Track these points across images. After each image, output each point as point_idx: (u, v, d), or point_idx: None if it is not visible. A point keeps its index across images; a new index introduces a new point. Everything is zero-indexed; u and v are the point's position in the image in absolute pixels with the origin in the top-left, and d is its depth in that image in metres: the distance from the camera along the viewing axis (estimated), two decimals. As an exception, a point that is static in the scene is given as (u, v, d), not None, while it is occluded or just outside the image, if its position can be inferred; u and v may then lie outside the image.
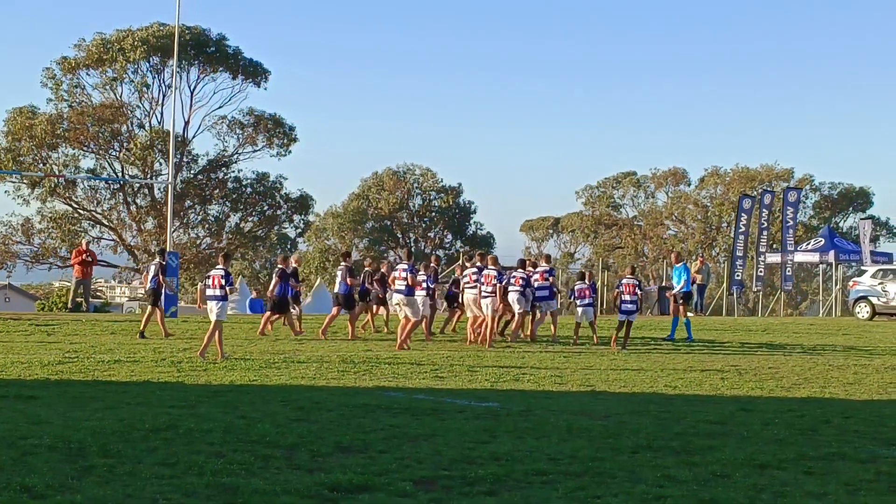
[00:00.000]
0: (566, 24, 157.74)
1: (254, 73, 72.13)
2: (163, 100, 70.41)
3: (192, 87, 71.39)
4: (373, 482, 10.34)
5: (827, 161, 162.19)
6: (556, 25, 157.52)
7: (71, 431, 12.76)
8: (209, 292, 23.78)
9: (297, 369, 21.28)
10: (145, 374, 19.90)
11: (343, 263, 31.12)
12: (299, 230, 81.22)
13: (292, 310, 31.48)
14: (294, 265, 32.58)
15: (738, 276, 53.14)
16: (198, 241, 74.75)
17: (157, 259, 30.80)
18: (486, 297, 28.35)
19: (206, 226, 75.25)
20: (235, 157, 74.17)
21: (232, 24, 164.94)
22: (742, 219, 53.91)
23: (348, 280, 30.34)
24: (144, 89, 70.02)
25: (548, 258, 33.98)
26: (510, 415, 15.29)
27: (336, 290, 30.97)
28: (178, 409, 15.16)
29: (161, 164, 69.12)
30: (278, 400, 16.42)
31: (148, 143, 68.31)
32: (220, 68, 71.45)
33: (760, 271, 54.41)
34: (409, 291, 27.52)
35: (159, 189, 68.91)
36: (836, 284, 58.14)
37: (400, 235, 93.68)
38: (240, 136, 73.65)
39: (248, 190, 75.09)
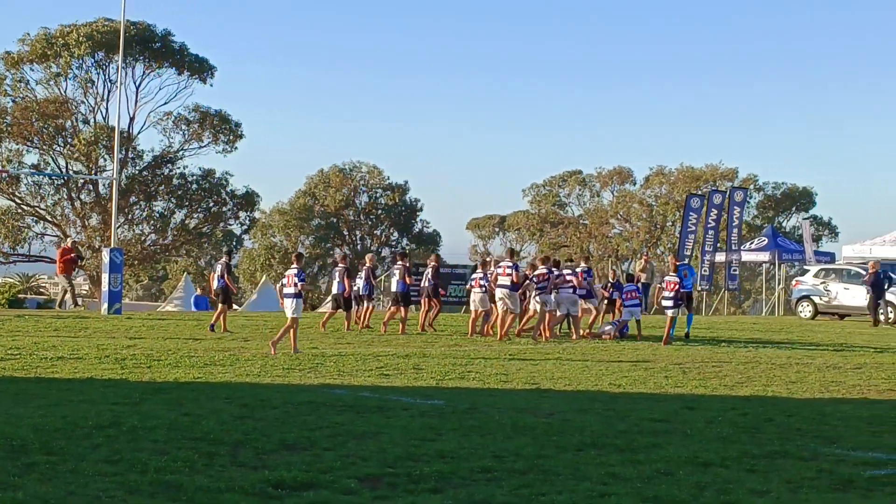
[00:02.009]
0: (523, 24, 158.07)
1: (200, 68, 71.84)
2: (108, 95, 70.08)
3: (137, 83, 71.04)
4: (317, 479, 10.32)
5: (771, 161, 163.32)
6: (514, 25, 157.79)
7: (13, 428, 12.66)
8: (285, 290, 24.99)
9: (242, 366, 21.21)
10: (89, 371, 19.76)
11: (400, 262, 32.95)
12: (245, 227, 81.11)
13: (363, 305, 33.87)
14: (368, 264, 34.73)
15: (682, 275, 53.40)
16: (143, 238, 74.38)
17: (224, 258, 32.61)
18: (536, 293, 30.36)
19: (151, 222, 74.90)
20: (181, 153, 73.88)
21: (178, 19, 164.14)
22: (690, 218, 54.23)
23: (406, 279, 32.01)
24: (89, 85, 69.62)
25: (587, 258, 36.22)
26: (455, 412, 15.30)
27: (393, 288, 32.79)
28: (121, 406, 15.08)
29: (106, 160, 68.75)
30: (223, 397, 16.36)
31: (92, 138, 67.95)
32: (165, 64, 71.11)
33: (705, 270, 54.74)
34: (514, 287, 29.81)
35: (104, 185, 68.49)
36: (779, 284, 58.61)
37: (346, 233, 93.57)
38: (185, 132, 73.33)
39: (194, 186, 74.78)
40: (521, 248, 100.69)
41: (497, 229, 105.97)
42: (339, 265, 33.16)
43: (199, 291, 53.68)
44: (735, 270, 56.17)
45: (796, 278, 51.40)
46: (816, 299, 47.30)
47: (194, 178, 74.67)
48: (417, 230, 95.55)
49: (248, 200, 76.85)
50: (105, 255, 38.90)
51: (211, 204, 75.56)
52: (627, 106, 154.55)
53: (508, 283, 29.81)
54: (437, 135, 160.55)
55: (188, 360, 22.01)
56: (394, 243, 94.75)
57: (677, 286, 29.88)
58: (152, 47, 70.39)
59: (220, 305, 31.52)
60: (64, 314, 36.54)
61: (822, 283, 47.78)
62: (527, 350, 26.78)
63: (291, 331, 24.62)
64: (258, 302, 57.43)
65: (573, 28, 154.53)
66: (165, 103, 72.19)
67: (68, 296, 40.01)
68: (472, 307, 31.63)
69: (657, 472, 11.14)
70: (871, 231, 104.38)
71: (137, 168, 72.67)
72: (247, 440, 12.40)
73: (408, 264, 32.95)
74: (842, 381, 21.13)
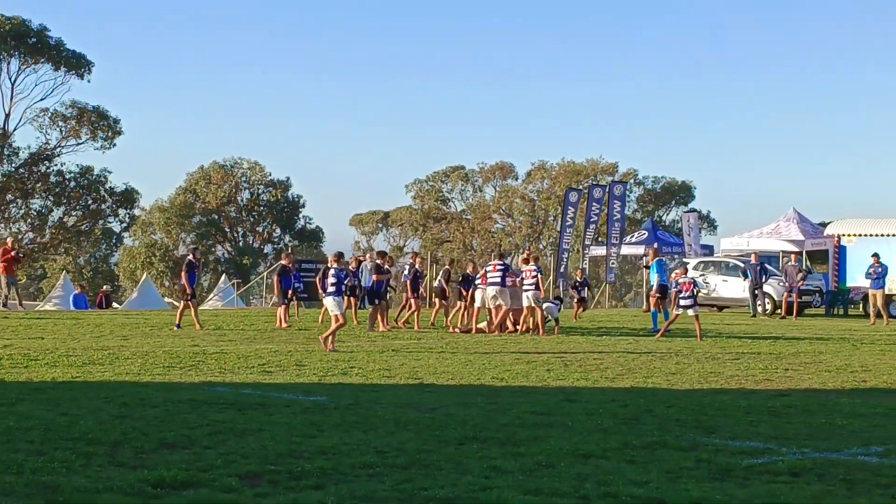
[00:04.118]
0: (403, 19, 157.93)
1: (77, 64, 70.88)
2: (-18, 92, 68.90)
3: (12, 79, 69.97)
4: (197, 478, 10.22)
5: (650, 155, 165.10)
6: (394, 20, 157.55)
7: None
8: (328, 290, 25.81)
9: (121, 365, 20.94)
10: (-37, 372, 19.39)
11: (375, 262, 33.80)
12: (125, 224, 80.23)
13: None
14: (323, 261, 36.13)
15: (563, 269, 53.82)
16: (20, 236, 73.24)
17: (189, 257, 33.34)
18: (527, 290, 31.59)
19: (29, 220, 73.80)
20: (58, 150, 72.85)
21: (54, 14, 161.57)
22: (569, 212, 54.65)
23: (375, 276, 32.84)
24: (-38, 80, 68.43)
25: (502, 255, 37.58)
26: (338, 408, 15.26)
27: (364, 284, 34.00)
28: (-3, 407, 14.82)
29: (-20, 158, 67.58)
30: (101, 396, 16.13)
31: (-34, 135, 66.77)
32: (41, 59, 70.05)
33: (586, 264, 55.20)
34: (504, 283, 31.97)
35: (-21, 183, 67.31)
36: (659, 277, 59.22)
37: (228, 230, 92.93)
38: (63, 128, 72.38)
39: (72, 184, 73.86)
40: (404, 243, 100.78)
41: (380, 225, 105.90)
42: (376, 261, 33.50)
43: (77, 290, 52.95)
44: (614, 264, 56.67)
45: (675, 271, 52.06)
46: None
47: (72, 175, 73.78)
48: (300, 226, 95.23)
49: (128, 197, 76.07)
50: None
51: (90, 201, 74.68)
52: (509, 101, 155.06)
53: (499, 280, 31.95)
54: (319, 130, 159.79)
55: (66, 360, 21.68)
56: (276, 240, 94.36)
57: (692, 286, 31.40)
58: (28, 42, 69.32)
59: (182, 303, 32.55)
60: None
61: (700, 275, 48.44)
62: (410, 345, 26.82)
63: (333, 327, 25.33)
64: (139, 300, 56.72)
65: (452, 23, 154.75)
66: (42, 99, 71.27)
67: (12, 294, 40.01)
68: (484, 305, 32.80)
69: (538, 464, 11.19)
70: (748, 224, 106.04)
71: (14, 165, 71.57)
72: (126, 440, 12.24)
73: (380, 262, 33.40)
74: (720, 372, 21.43)
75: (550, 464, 11.22)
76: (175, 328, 30.82)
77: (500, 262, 32.73)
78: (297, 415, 14.56)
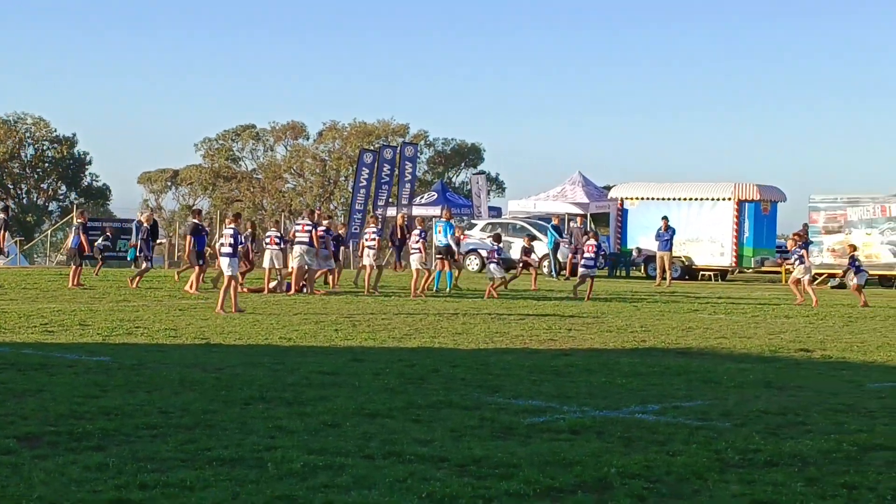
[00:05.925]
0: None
1: None
2: None
3: None
4: (-27, 440, 9.98)
5: (441, 117, 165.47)
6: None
7: None
8: (223, 250, 25.41)
9: None
10: None
11: (193, 221, 32.90)
12: None
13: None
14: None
15: (354, 229, 53.92)
16: None
17: (78, 221, 33.47)
18: (413, 253, 33.11)
19: None
20: None
21: None
22: (363, 173, 54.71)
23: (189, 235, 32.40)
24: None
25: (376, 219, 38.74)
26: (122, 369, 15.05)
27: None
28: None
29: None
30: None
31: None
32: None
33: (380, 225, 55.36)
34: (310, 244, 31.91)
35: None
36: (448, 238, 59.76)
37: (11, 186, 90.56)
38: None
39: None
40: (193, 202, 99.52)
41: (169, 183, 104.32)
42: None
43: None
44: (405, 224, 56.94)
45: (464, 232, 52.61)
46: (483, 253, 48.51)
47: None
48: (87, 184, 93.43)
49: None
50: None
51: None
52: (300, 57, 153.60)
53: (306, 240, 31.86)
54: (105, 86, 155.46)
55: None
56: (62, 197, 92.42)
57: (596, 248, 32.39)
58: None
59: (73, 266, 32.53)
60: None
61: (488, 236, 49.06)
62: (197, 305, 26.59)
63: (231, 289, 24.82)
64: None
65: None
66: None
67: None
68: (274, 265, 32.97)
69: (324, 424, 11.22)
70: (536, 186, 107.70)
71: None
72: None
73: (196, 220, 32.68)
74: (506, 332, 21.75)
75: (336, 423, 11.27)
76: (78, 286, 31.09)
77: (308, 223, 32.65)
78: (80, 375, 14.33)
